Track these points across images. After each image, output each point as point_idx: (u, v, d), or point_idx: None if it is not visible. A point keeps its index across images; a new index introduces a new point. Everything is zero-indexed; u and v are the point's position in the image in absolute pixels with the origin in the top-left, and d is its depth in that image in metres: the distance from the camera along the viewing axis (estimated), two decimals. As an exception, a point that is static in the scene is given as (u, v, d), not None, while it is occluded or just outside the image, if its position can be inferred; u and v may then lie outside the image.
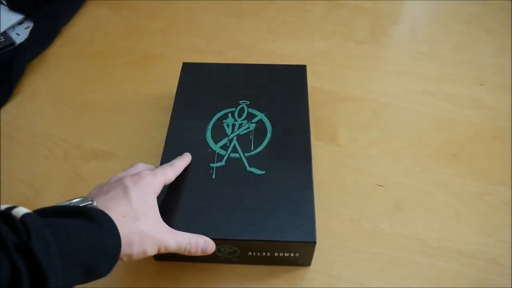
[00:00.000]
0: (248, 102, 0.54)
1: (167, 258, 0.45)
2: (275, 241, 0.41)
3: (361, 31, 0.73)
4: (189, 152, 0.48)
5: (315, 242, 0.41)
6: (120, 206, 0.35)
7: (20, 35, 0.72)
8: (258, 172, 0.46)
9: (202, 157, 0.48)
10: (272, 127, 0.51)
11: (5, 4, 0.76)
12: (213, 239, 0.41)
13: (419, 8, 0.78)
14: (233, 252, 0.43)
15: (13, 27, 0.74)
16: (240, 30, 0.74)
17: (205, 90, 0.55)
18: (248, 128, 0.51)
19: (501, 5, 0.77)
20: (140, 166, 0.43)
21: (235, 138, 0.50)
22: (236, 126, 0.51)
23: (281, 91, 0.55)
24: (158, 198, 0.44)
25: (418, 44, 0.71)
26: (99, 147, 0.57)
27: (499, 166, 0.54)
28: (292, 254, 0.43)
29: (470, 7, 0.77)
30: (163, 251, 0.37)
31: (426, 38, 0.72)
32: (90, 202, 0.34)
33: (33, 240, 0.27)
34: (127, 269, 0.46)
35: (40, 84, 0.66)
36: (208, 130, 0.50)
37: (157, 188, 0.40)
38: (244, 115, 0.52)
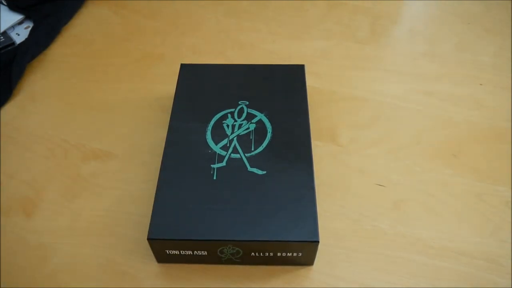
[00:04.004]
0: (248, 103, 0.54)
1: (169, 260, 0.45)
2: (277, 241, 0.41)
3: (361, 31, 0.73)
4: (190, 153, 0.48)
5: (318, 242, 0.41)
6: None
7: (20, 35, 0.72)
8: (260, 172, 0.46)
9: (202, 158, 0.48)
10: (272, 127, 0.51)
11: (5, 4, 0.76)
12: (216, 241, 0.42)
13: (419, 8, 0.78)
14: (236, 253, 0.43)
15: (13, 27, 0.74)
16: (240, 30, 0.74)
17: (203, 91, 0.55)
18: (248, 128, 0.51)
19: (501, 5, 0.78)
20: None
21: (235, 138, 0.50)
22: (236, 127, 0.51)
23: (280, 91, 0.55)
24: (160, 200, 0.45)
25: (418, 44, 0.71)
26: (99, 147, 0.57)
27: (499, 166, 0.54)
28: (294, 254, 0.43)
29: (470, 7, 0.77)
30: None
31: (426, 38, 0.72)
32: None
33: None
34: (129, 271, 0.46)
35: (40, 84, 0.66)
36: (208, 131, 0.50)
37: None
38: (244, 115, 0.52)
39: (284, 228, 0.42)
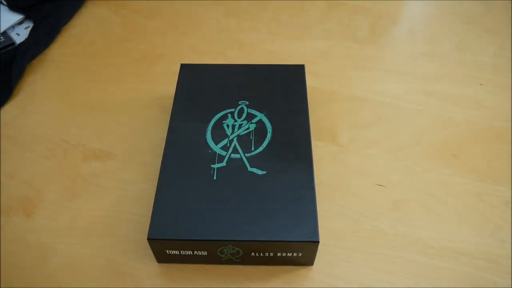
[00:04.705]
0: (248, 103, 0.54)
1: (169, 260, 0.45)
2: (277, 241, 0.41)
3: (361, 31, 0.73)
4: (190, 153, 0.48)
5: (318, 242, 0.41)
6: None
7: (20, 35, 0.72)
8: (260, 172, 0.46)
9: (202, 158, 0.48)
10: (272, 127, 0.51)
11: (5, 4, 0.76)
12: (216, 241, 0.42)
13: (419, 8, 0.78)
14: (236, 253, 0.43)
15: (13, 27, 0.74)
16: (240, 30, 0.74)
17: (203, 91, 0.55)
18: (248, 128, 0.51)
19: (501, 5, 0.78)
20: None
21: (235, 138, 0.50)
22: (236, 127, 0.51)
23: (280, 91, 0.55)
24: (160, 200, 0.45)
25: (418, 44, 0.71)
26: (99, 147, 0.57)
27: (499, 166, 0.54)
28: (294, 254, 0.44)
29: (470, 7, 0.77)
30: None
31: (426, 38, 0.72)
32: None
33: None
34: (129, 271, 0.46)
35: (40, 84, 0.66)
36: (208, 131, 0.50)
37: None
38: (244, 115, 0.52)
39: (284, 228, 0.42)
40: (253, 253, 0.44)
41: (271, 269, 0.46)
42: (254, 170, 0.47)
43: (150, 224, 0.43)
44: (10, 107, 0.62)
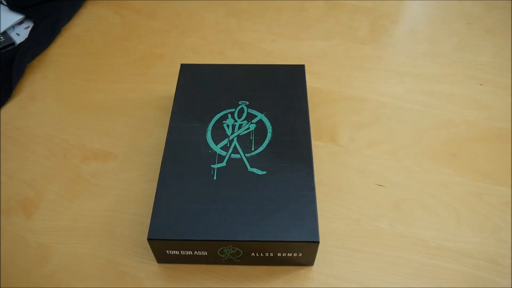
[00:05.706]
0: (248, 103, 0.54)
1: (169, 260, 0.45)
2: (278, 241, 0.41)
3: (361, 31, 0.73)
4: (190, 153, 0.48)
5: (318, 242, 0.41)
6: None
7: (20, 35, 0.72)
8: (260, 172, 0.46)
9: (202, 158, 0.48)
10: (272, 127, 0.51)
11: (5, 4, 0.76)
12: (216, 241, 0.42)
13: (419, 8, 0.78)
14: (236, 253, 0.43)
15: (13, 27, 0.74)
16: (240, 30, 0.74)
17: (203, 91, 0.55)
18: (248, 128, 0.51)
19: (501, 5, 0.78)
20: None
21: (235, 138, 0.50)
22: (236, 127, 0.51)
23: (280, 91, 0.55)
24: (160, 200, 0.45)
25: (418, 44, 0.71)
26: (99, 147, 0.57)
27: (499, 166, 0.54)
28: (295, 254, 0.44)
29: (470, 7, 0.78)
30: None
31: (426, 38, 0.72)
32: None
33: None
34: (129, 271, 0.46)
35: (40, 84, 0.66)
36: (208, 131, 0.50)
37: None
38: (244, 115, 0.52)
39: (284, 228, 0.42)
40: (253, 253, 0.44)
41: (271, 269, 0.46)
42: (254, 170, 0.47)
43: (150, 224, 0.43)
44: (10, 107, 0.62)
